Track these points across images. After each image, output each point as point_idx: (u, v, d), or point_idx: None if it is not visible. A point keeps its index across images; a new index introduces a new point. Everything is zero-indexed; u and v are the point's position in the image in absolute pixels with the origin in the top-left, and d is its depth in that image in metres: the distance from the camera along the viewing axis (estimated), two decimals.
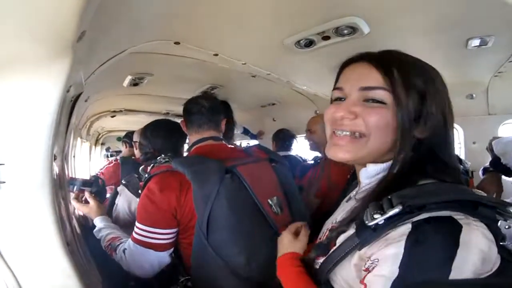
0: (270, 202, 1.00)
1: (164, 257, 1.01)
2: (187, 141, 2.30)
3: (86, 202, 1.39)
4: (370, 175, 0.63)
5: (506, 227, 0.46)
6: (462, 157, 2.15)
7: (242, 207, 0.93)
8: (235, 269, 0.89)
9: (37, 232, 0.65)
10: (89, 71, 0.97)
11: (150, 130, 1.60)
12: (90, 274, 1.08)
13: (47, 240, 0.66)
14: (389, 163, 0.59)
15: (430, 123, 0.57)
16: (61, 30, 0.46)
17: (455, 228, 0.44)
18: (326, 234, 0.67)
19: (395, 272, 0.44)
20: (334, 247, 0.58)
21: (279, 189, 1.09)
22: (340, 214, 0.70)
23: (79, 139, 2.52)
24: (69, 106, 0.98)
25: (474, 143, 2.09)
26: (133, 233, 1.01)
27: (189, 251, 0.98)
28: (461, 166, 1.50)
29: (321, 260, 0.61)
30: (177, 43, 1.19)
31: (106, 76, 1.43)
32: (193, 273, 0.98)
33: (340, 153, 0.61)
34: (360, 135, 0.59)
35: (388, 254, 0.47)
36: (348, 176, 1.33)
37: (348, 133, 0.60)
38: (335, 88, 0.66)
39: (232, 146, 1.32)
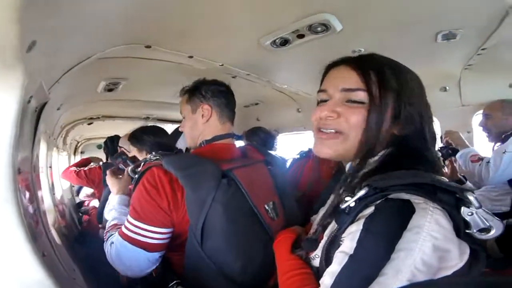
0: (267, 207, 0.97)
1: (155, 259, 0.90)
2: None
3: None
4: None
5: (469, 214, 0.47)
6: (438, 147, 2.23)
7: (238, 213, 0.89)
8: (230, 276, 0.86)
9: (7, 246, 0.63)
10: (53, 79, 0.92)
11: (139, 134, 1.66)
12: (73, 283, 1.04)
13: (19, 254, 0.64)
14: (374, 158, 0.63)
15: (407, 120, 0.61)
16: (4, 43, 0.43)
17: (408, 211, 0.47)
18: (315, 229, 0.69)
19: (353, 248, 0.47)
20: (322, 241, 0.61)
21: (275, 193, 1.05)
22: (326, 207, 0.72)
23: (54, 149, 2.41)
24: (34, 117, 0.93)
25: None
26: (123, 228, 0.89)
27: (178, 256, 0.94)
28: None
29: (312, 255, 0.64)
30: (148, 46, 1.16)
31: (77, 83, 1.38)
32: (186, 280, 0.92)
33: (325, 149, 0.66)
34: (341, 132, 0.63)
35: (350, 232, 0.51)
36: (332, 172, 1.34)
37: (333, 130, 0.64)
38: (319, 91, 0.70)
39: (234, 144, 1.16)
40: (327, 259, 0.57)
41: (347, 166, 0.69)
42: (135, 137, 1.68)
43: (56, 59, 0.80)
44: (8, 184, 0.64)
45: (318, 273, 0.61)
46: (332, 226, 0.59)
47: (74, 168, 2.37)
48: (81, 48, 0.95)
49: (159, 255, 0.91)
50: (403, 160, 0.59)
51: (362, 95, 0.61)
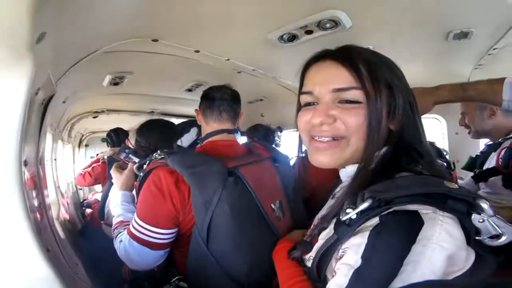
0: (273, 207, 0.95)
1: (160, 255, 0.94)
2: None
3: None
4: (349, 174, 0.63)
5: (480, 220, 0.44)
6: (446, 147, 2.20)
7: (245, 213, 0.87)
8: (236, 277, 0.85)
9: (12, 240, 0.63)
10: (60, 72, 0.92)
11: (145, 128, 1.68)
12: (76, 278, 1.05)
13: (24, 247, 0.64)
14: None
15: (400, 113, 0.58)
16: (15, 33, 0.43)
17: (416, 224, 0.44)
18: (310, 233, 0.67)
19: (359, 261, 0.45)
20: (317, 244, 0.58)
21: (282, 192, 1.03)
22: (324, 211, 0.70)
23: (59, 141, 2.43)
24: (41, 109, 0.93)
25: (456, 133, 2.14)
26: (131, 227, 0.93)
27: (180, 253, 0.95)
28: (443, 160, 1.55)
29: (307, 256, 0.62)
30: (155, 40, 1.15)
31: (83, 76, 1.37)
32: (188, 278, 0.93)
33: (324, 159, 0.60)
34: (341, 137, 0.58)
35: (354, 244, 0.47)
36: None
37: (329, 138, 0.59)
38: (302, 93, 0.63)
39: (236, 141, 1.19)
40: (319, 265, 0.56)
41: (342, 172, 0.65)
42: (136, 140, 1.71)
43: (64, 52, 0.80)
44: (15, 176, 0.64)
45: (309, 273, 0.61)
46: (329, 231, 0.56)
47: (81, 171, 2.43)
48: (89, 41, 0.95)
49: (164, 252, 0.93)
50: (402, 157, 0.56)
51: (356, 94, 0.56)
